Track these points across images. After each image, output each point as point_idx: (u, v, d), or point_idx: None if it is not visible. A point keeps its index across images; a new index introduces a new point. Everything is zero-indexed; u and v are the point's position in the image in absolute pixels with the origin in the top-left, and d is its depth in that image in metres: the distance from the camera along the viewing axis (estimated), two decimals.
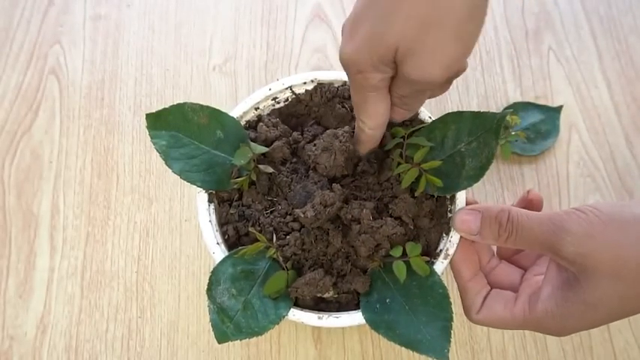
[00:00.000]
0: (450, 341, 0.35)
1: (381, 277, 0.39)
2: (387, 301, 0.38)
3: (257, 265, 0.39)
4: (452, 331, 0.36)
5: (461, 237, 0.38)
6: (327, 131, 0.41)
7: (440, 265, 0.39)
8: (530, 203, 0.40)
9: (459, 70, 0.33)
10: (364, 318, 0.38)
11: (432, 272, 0.38)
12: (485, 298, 0.37)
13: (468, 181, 0.37)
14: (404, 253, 0.38)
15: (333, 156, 0.39)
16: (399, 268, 0.37)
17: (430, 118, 0.42)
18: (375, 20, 0.31)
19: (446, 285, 0.37)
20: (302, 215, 0.38)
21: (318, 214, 0.37)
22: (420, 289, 0.37)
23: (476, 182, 0.37)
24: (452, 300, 0.36)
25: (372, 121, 0.37)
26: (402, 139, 0.40)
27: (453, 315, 0.36)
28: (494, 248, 0.42)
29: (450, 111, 0.39)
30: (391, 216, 0.39)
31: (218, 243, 0.40)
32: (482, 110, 0.59)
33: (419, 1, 0.29)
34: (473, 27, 0.30)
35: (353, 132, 0.40)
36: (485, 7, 0.30)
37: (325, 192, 0.38)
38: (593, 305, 0.31)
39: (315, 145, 0.41)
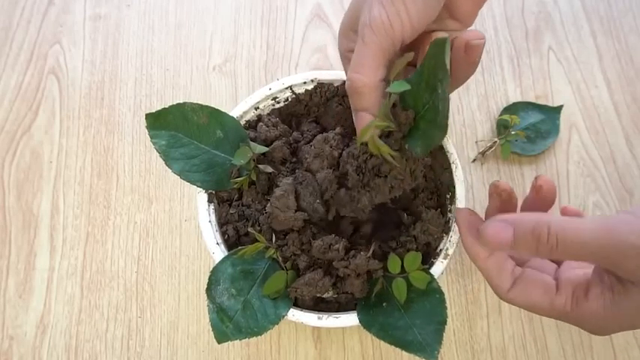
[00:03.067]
0: (441, 343, 0.36)
1: (379, 282, 0.39)
2: (384, 305, 0.38)
3: (256, 265, 0.39)
4: (444, 334, 0.36)
5: (464, 219, 0.35)
6: (318, 137, 0.40)
7: (440, 266, 0.39)
8: (541, 190, 0.36)
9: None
10: (358, 319, 0.38)
11: (431, 279, 0.38)
12: (513, 274, 0.34)
13: (440, 133, 0.31)
14: (402, 268, 0.38)
15: (325, 162, 0.39)
16: (399, 288, 0.37)
17: None
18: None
19: (445, 285, 0.37)
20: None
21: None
22: (417, 295, 0.38)
23: (445, 132, 0.31)
24: (448, 304, 0.37)
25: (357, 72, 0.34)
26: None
27: (448, 319, 0.36)
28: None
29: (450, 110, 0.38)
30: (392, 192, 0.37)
31: (218, 243, 0.40)
32: (481, 108, 0.60)
33: None
34: None
35: (344, 133, 0.40)
36: None
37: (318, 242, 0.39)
38: None
39: (308, 152, 0.41)
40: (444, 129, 0.31)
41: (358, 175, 0.36)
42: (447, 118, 0.30)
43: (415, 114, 0.33)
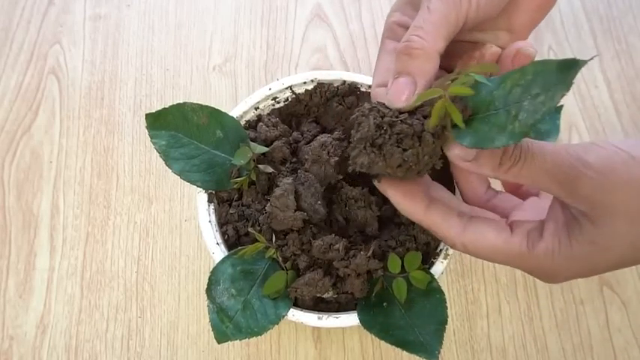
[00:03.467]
0: (441, 343, 0.35)
1: (379, 281, 0.39)
2: (384, 304, 0.38)
3: (256, 265, 0.39)
4: (445, 334, 0.36)
5: (389, 184, 0.32)
6: (314, 143, 0.40)
7: (440, 266, 0.39)
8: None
9: None
10: (359, 319, 0.38)
11: (431, 279, 0.38)
12: (461, 220, 0.32)
13: (507, 137, 0.27)
14: (403, 268, 0.38)
15: (323, 167, 0.39)
16: (399, 288, 0.37)
17: None
18: None
19: (445, 285, 0.37)
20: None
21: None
22: (417, 294, 0.38)
23: (517, 140, 0.27)
24: (448, 304, 0.37)
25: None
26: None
27: (448, 319, 0.36)
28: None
29: None
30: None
31: (218, 243, 0.40)
32: None
33: None
34: None
35: (342, 137, 0.39)
36: None
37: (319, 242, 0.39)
38: (602, 247, 0.28)
39: (307, 153, 0.40)
40: (514, 136, 0.27)
41: (376, 130, 0.30)
42: (526, 130, 0.27)
43: (473, 113, 0.30)
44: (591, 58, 0.28)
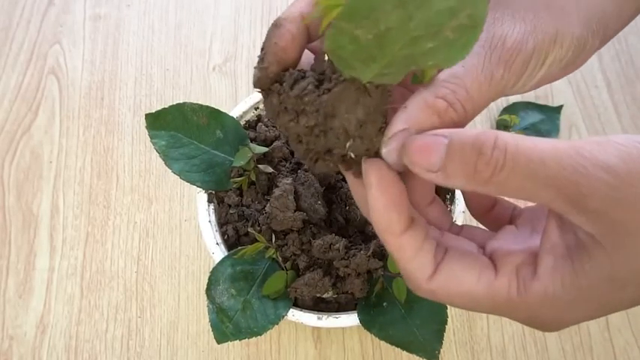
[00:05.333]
0: (441, 343, 0.36)
1: (379, 281, 0.39)
2: (384, 304, 0.38)
3: (256, 266, 0.39)
4: (445, 334, 0.36)
5: (377, 172, 0.23)
6: None
7: None
8: None
9: None
10: (359, 319, 0.38)
11: None
12: (436, 258, 0.24)
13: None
14: None
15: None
16: (399, 288, 0.37)
17: None
18: None
19: None
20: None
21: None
22: (417, 295, 0.38)
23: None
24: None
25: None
26: None
27: (448, 319, 0.36)
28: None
29: None
30: None
31: (217, 243, 0.40)
32: None
33: None
34: None
35: None
36: None
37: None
38: (621, 284, 0.20)
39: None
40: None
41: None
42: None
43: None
44: None
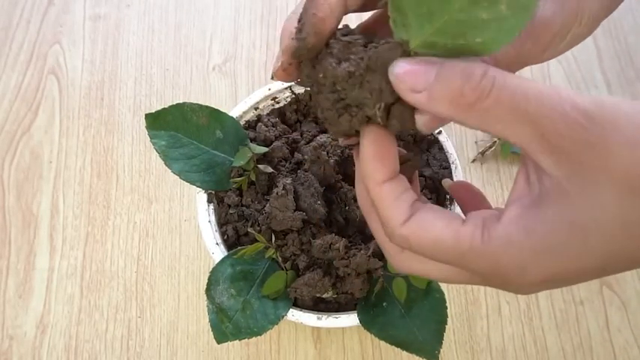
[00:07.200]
0: (441, 343, 0.36)
1: (379, 281, 0.39)
2: (384, 304, 0.38)
3: (256, 266, 0.39)
4: (444, 334, 0.36)
5: (374, 130, 0.24)
6: (313, 143, 0.40)
7: None
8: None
9: None
10: (359, 319, 0.38)
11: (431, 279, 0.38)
12: (412, 208, 0.24)
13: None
14: None
15: (322, 167, 0.39)
16: (399, 288, 0.37)
17: None
18: None
19: (445, 285, 0.37)
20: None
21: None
22: (417, 294, 0.38)
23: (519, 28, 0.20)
24: (448, 304, 0.37)
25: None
26: None
27: (448, 319, 0.36)
28: None
29: None
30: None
31: (217, 243, 0.40)
32: None
33: None
34: None
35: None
36: None
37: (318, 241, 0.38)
38: (583, 229, 0.20)
39: (306, 154, 0.40)
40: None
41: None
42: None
43: None
44: None
